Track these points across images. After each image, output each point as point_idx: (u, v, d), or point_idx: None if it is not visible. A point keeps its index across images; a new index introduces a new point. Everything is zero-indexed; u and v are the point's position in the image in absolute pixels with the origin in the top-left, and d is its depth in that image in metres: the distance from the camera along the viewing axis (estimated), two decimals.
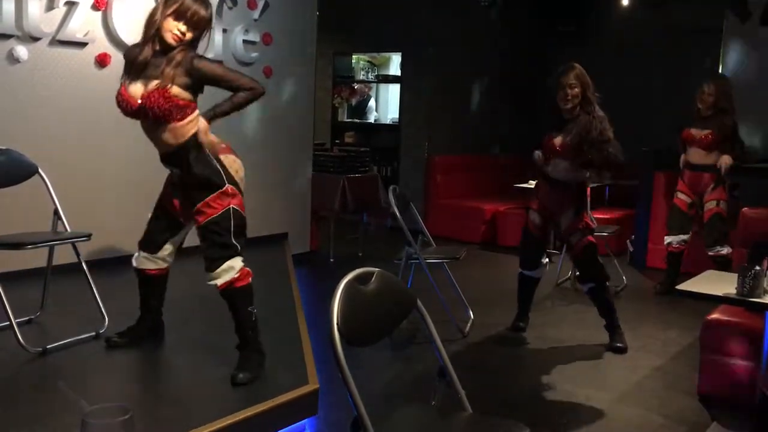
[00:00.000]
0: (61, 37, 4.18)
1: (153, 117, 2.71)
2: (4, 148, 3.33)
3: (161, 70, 2.71)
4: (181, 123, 2.75)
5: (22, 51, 4.04)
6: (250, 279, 2.88)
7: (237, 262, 2.83)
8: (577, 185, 4.03)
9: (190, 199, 2.85)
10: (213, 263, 2.80)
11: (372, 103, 8.65)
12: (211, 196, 2.81)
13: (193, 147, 2.80)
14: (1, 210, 3.84)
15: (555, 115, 3.97)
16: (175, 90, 2.70)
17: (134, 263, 3.04)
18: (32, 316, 3.40)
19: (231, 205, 2.83)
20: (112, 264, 4.21)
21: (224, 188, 2.83)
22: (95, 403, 1.21)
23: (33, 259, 3.54)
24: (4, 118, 4.03)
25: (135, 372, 2.88)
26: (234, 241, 2.83)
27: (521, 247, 4.27)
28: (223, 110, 2.82)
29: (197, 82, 2.78)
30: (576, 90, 3.84)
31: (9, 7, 3.95)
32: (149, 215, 3.03)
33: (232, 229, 2.83)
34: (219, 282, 2.81)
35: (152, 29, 2.72)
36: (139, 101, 2.70)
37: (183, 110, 2.74)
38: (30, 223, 3.49)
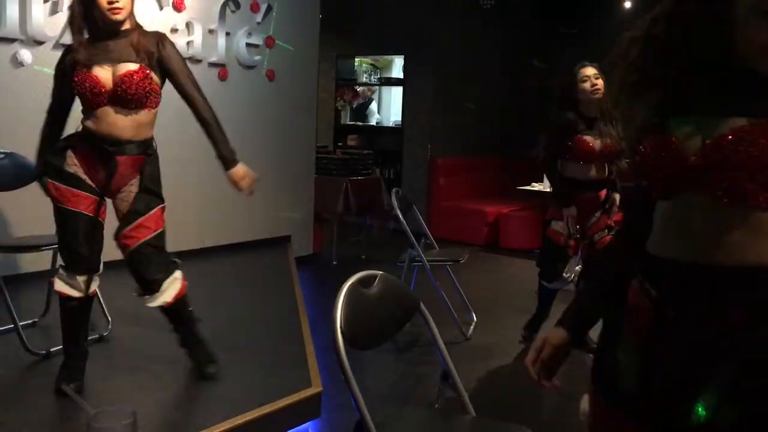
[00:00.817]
0: (64, 40, 4.19)
1: (129, 101, 2.53)
2: (8, 151, 3.35)
3: (134, 50, 2.55)
4: (149, 112, 2.62)
5: (26, 54, 4.05)
6: (185, 281, 2.79)
7: (178, 273, 2.74)
8: (604, 186, 3.80)
9: (134, 205, 2.63)
10: (156, 283, 2.65)
11: (374, 105, 8.65)
12: (156, 210, 2.66)
13: (151, 148, 2.69)
14: (6, 213, 3.85)
15: (563, 112, 3.68)
16: (151, 73, 2.60)
17: (73, 292, 2.58)
18: (36, 319, 3.41)
19: (164, 223, 2.71)
20: (115, 267, 4.20)
21: (163, 204, 2.71)
22: (99, 407, 1.21)
23: (37, 262, 3.55)
24: (8, 122, 4.04)
25: (138, 375, 2.88)
26: (171, 256, 2.75)
27: (545, 259, 3.94)
28: (226, 142, 2.72)
29: (161, 69, 2.63)
30: (601, 81, 3.63)
31: (13, 11, 3.97)
32: (70, 228, 2.57)
33: (164, 245, 2.71)
34: (168, 299, 2.68)
35: (79, 17, 2.53)
36: (112, 83, 2.52)
37: (156, 98, 2.62)
38: (34, 227, 3.50)
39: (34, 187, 3.36)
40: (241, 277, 4.76)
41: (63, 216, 2.59)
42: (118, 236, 2.64)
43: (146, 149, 2.68)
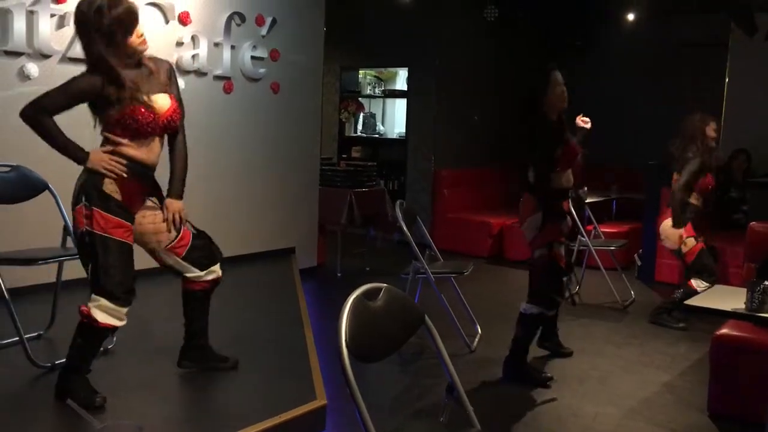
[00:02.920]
0: (71, 54, 4.22)
1: (172, 130, 2.77)
2: (14, 164, 3.37)
3: (162, 81, 2.74)
4: None
5: (32, 68, 4.08)
6: None
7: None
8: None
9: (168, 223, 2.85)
10: (215, 258, 2.98)
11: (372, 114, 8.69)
12: (186, 221, 2.93)
13: None
14: (12, 226, 3.87)
15: (555, 121, 3.52)
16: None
17: (116, 322, 2.60)
18: (41, 332, 3.41)
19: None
20: None
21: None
22: (104, 420, 1.21)
23: (43, 274, 3.56)
24: (15, 135, 4.04)
25: (143, 389, 2.88)
26: None
27: (554, 286, 3.57)
28: (183, 180, 2.90)
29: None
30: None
31: (20, 25, 4.00)
32: (116, 256, 2.60)
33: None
34: (220, 272, 3.00)
35: (107, 57, 2.60)
36: (160, 119, 2.68)
37: None
38: (40, 239, 3.52)
39: (40, 200, 3.40)
40: (246, 289, 4.75)
41: (106, 245, 2.59)
42: (170, 248, 2.84)
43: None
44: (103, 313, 2.57)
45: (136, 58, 2.69)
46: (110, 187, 2.63)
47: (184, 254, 2.86)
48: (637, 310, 5.23)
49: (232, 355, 3.14)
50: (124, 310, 2.62)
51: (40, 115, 2.60)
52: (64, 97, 2.63)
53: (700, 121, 4.66)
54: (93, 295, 2.59)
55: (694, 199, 4.69)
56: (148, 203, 2.82)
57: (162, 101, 2.70)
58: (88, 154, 2.62)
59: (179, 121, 2.79)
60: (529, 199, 3.59)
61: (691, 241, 4.65)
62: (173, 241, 2.84)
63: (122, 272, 2.60)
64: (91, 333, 2.61)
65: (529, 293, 3.64)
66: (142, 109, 2.62)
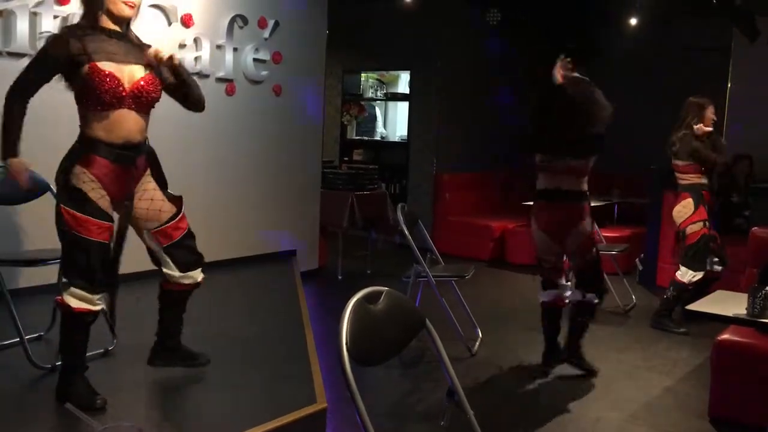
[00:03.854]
0: None
1: (146, 103, 2.63)
2: None
3: (142, 54, 2.64)
4: (149, 113, 2.73)
5: None
6: None
7: None
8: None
9: (167, 207, 2.81)
10: (199, 262, 2.92)
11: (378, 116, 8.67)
12: (183, 209, 2.89)
13: (149, 144, 2.79)
14: (14, 227, 3.87)
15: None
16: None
17: (92, 306, 2.59)
18: (42, 333, 3.41)
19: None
20: (121, 280, 4.21)
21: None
22: (104, 422, 1.21)
23: (44, 275, 3.56)
24: None
25: (143, 391, 2.88)
26: None
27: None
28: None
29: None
30: None
31: (23, 26, 4.01)
32: (84, 255, 2.54)
33: None
34: (200, 278, 2.92)
35: (97, 7, 2.57)
36: (129, 87, 2.56)
37: None
38: (41, 240, 3.52)
39: (42, 202, 3.39)
40: (247, 292, 4.75)
41: (76, 242, 2.55)
42: (156, 232, 2.79)
43: (148, 147, 2.78)
44: (76, 299, 2.56)
45: (117, 22, 2.60)
46: (83, 177, 2.55)
47: (168, 244, 2.80)
48: (638, 314, 5.22)
49: (202, 353, 3.08)
50: (97, 296, 2.59)
51: (12, 98, 2.57)
52: (37, 69, 2.58)
53: (695, 104, 4.69)
54: (65, 283, 2.59)
55: (698, 178, 4.72)
56: (146, 186, 2.77)
57: (135, 72, 2.60)
58: (13, 156, 2.58)
59: (157, 95, 2.66)
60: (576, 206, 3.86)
61: (698, 225, 4.66)
62: (168, 222, 2.79)
63: (91, 267, 2.55)
64: (71, 322, 2.60)
65: (589, 285, 3.84)
66: (106, 72, 2.52)
